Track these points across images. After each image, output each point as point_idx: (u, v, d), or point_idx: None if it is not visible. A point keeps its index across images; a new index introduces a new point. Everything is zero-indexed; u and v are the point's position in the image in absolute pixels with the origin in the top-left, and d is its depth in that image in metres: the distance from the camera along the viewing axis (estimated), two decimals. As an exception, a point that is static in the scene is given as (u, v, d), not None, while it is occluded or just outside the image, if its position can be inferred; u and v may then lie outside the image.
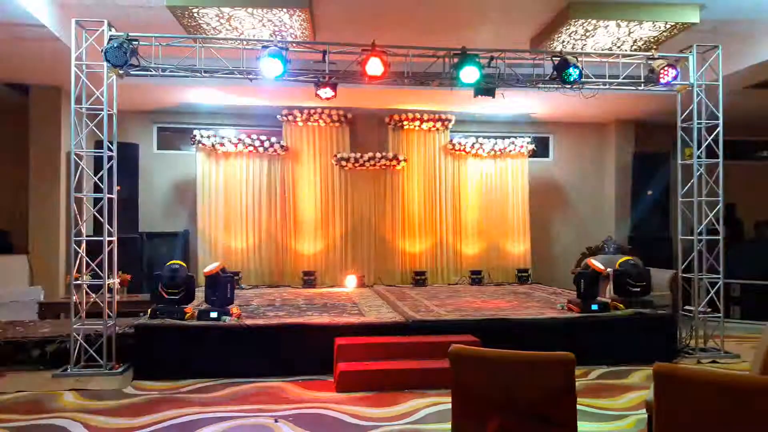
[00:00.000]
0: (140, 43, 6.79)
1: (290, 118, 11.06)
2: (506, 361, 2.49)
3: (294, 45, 7.29)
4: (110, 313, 6.76)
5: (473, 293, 9.84)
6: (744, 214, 11.93)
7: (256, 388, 6.01)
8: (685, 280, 7.76)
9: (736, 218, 11.59)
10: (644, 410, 4.27)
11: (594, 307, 7.37)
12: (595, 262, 7.69)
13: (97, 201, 6.86)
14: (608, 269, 8.06)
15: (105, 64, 6.59)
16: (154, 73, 7.05)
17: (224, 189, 11.04)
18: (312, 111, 11.01)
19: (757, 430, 2.13)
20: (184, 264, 7.21)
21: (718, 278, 7.39)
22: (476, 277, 11.28)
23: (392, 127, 11.42)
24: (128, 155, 10.25)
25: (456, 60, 7.29)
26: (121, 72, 6.81)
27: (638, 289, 7.61)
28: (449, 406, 2.76)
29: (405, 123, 11.32)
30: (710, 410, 2.17)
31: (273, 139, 11.06)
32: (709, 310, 7.51)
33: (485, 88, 7.55)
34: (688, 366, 2.28)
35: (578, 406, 5.30)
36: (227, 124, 11.26)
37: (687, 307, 7.64)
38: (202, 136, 10.85)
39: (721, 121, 7.44)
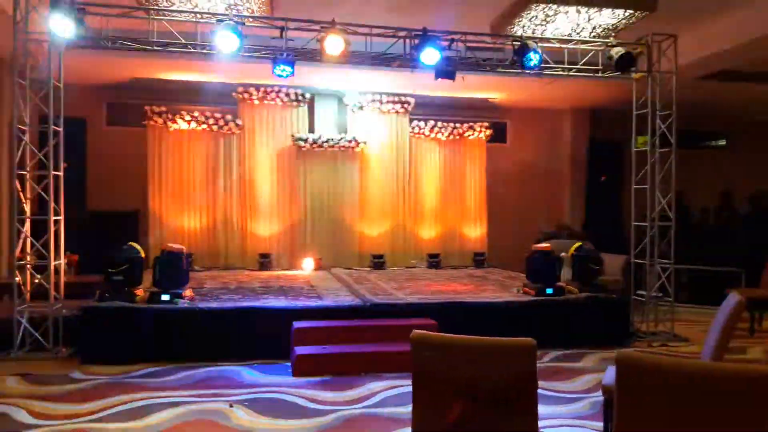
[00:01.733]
0: (87, 12, 6.47)
1: (246, 95, 10.79)
2: (468, 347, 2.46)
3: (250, 20, 7.08)
4: (56, 295, 6.52)
5: (431, 276, 9.86)
6: (690, 201, 12.25)
7: (210, 373, 5.88)
8: (637, 265, 7.93)
9: (683, 205, 11.89)
10: (599, 392, 4.34)
11: (549, 290, 7.45)
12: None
13: (42, 178, 6.56)
14: (562, 253, 8.17)
15: (49, 33, 6.27)
16: (102, 45, 6.76)
17: (177, 167, 10.72)
18: (269, 89, 10.75)
19: (721, 418, 2.15)
20: (137, 246, 6.98)
21: (670, 264, 7.57)
22: (434, 261, 11.30)
23: (351, 108, 11.27)
24: (75, 131, 9.84)
25: (417, 41, 7.21)
26: (65, 42, 6.50)
27: (590, 272, 7.74)
28: (407, 389, 2.71)
29: (364, 104, 11.18)
30: (671, 397, 2.18)
31: (228, 117, 10.78)
32: (660, 294, 7.70)
33: (446, 71, 7.49)
34: (648, 353, 2.29)
35: (534, 389, 5.38)
36: (180, 100, 10.88)
37: (639, 292, 7.82)
38: (153, 113, 10.50)
39: (674, 111, 7.58)
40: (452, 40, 7.44)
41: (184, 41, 7.02)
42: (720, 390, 2.20)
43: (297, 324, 6.28)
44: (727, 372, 2.27)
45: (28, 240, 6.47)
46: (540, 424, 4.53)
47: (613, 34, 8.04)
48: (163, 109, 10.56)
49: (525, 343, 2.44)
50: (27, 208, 6.49)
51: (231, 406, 4.92)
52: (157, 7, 7.06)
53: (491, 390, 2.41)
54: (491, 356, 2.46)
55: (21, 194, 6.43)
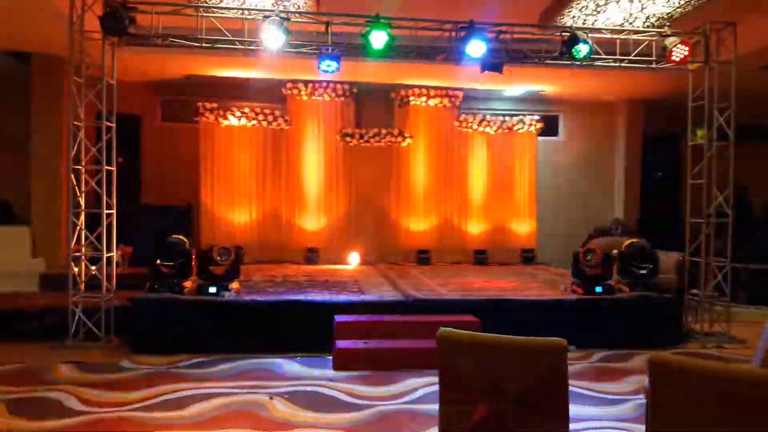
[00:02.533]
0: (139, 11, 6.64)
1: (294, 91, 10.89)
2: (495, 347, 2.40)
3: (296, 15, 7.13)
4: (109, 286, 6.73)
5: (477, 273, 9.75)
6: (755, 197, 11.70)
7: (253, 365, 5.96)
8: (693, 263, 7.62)
9: (746, 201, 11.37)
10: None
11: (598, 289, 7.26)
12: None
13: (97, 173, 6.79)
14: (614, 250, 7.94)
15: (103, 32, 6.48)
16: (153, 42, 6.93)
17: (228, 163, 10.92)
18: (317, 85, 10.83)
19: (754, 425, 2.03)
20: (184, 238, 7.15)
21: (726, 262, 7.25)
22: (480, 257, 11.17)
23: (398, 102, 11.23)
24: (131, 127, 10.16)
25: (463, 34, 7.11)
26: (118, 41, 6.69)
27: (644, 271, 7.47)
28: (444, 387, 2.66)
29: (411, 99, 11.12)
30: (706, 402, 2.07)
31: (277, 113, 10.91)
32: (715, 294, 7.38)
33: (493, 63, 7.36)
34: (684, 357, 2.17)
35: (578, 390, 5.24)
36: (232, 96, 11.09)
37: (694, 291, 7.52)
38: (205, 109, 10.72)
39: (733, 103, 7.23)
40: (499, 32, 7.31)
41: (231, 38, 7.12)
42: (761, 397, 2.08)
43: (339, 318, 6.30)
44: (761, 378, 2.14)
45: (83, 232, 6.70)
46: (581, 426, 4.45)
47: (668, 24, 7.73)
48: (215, 105, 10.77)
49: (554, 343, 2.36)
50: (82, 201, 6.72)
51: (271, 398, 4.98)
52: (205, 5, 7.20)
53: (519, 391, 2.35)
54: (519, 356, 2.39)
55: (76, 188, 6.66)
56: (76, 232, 6.66)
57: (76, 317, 6.54)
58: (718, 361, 6.37)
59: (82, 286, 6.68)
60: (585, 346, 6.67)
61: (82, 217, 6.71)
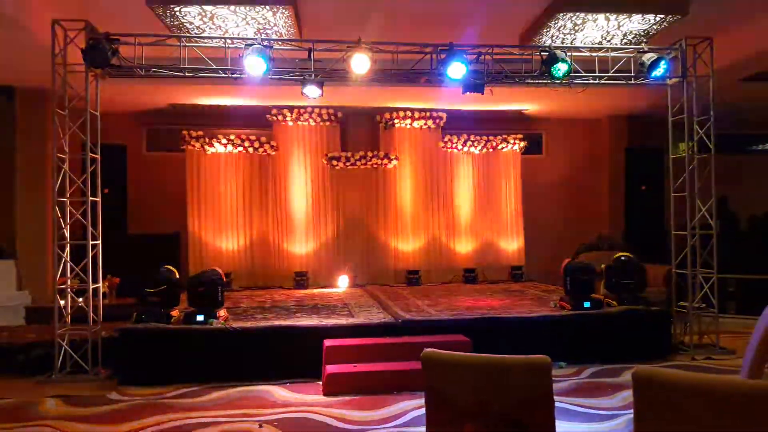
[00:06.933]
0: (121, 42, 6.68)
1: (279, 117, 10.95)
2: (479, 366, 2.39)
3: (278, 43, 7.19)
4: (95, 318, 6.67)
5: (466, 292, 9.74)
6: (737, 207, 11.80)
7: (243, 393, 5.90)
8: (679, 275, 7.67)
9: (729, 212, 11.47)
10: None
11: (586, 304, 7.28)
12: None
13: (83, 204, 6.76)
14: (602, 265, 7.98)
15: (86, 64, 6.50)
16: (136, 73, 6.95)
17: (214, 190, 10.92)
18: (302, 110, 10.89)
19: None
20: (173, 268, 7.11)
21: (712, 273, 7.30)
22: (470, 276, 11.18)
23: (383, 125, 11.31)
24: (116, 157, 10.15)
25: (443, 56, 7.20)
26: (101, 72, 6.71)
27: (630, 284, 7.51)
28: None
29: (396, 121, 11.20)
30: (692, 415, 2.08)
31: (263, 139, 10.95)
32: (703, 305, 7.42)
33: (474, 85, 7.43)
34: (668, 370, 2.18)
35: (569, 406, 5.23)
36: (217, 124, 11.14)
37: (681, 303, 7.55)
38: (191, 137, 10.73)
39: (712, 115, 7.35)
40: (479, 54, 7.40)
41: (214, 66, 7.16)
42: (751, 409, 2.08)
43: (328, 342, 6.27)
44: (756, 390, 2.14)
45: (68, 264, 6.65)
46: (573, 442, 4.42)
47: (644, 40, 7.87)
48: (200, 133, 10.80)
49: (539, 361, 2.36)
50: (67, 233, 6.68)
51: (260, 426, 4.92)
52: (188, 35, 7.25)
53: (504, 410, 2.34)
54: (503, 375, 2.38)
55: (61, 220, 6.62)
56: (62, 265, 6.62)
57: (63, 350, 6.47)
58: (707, 373, 6.39)
59: (68, 319, 6.61)
60: (576, 361, 6.68)
61: (68, 249, 6.67)
